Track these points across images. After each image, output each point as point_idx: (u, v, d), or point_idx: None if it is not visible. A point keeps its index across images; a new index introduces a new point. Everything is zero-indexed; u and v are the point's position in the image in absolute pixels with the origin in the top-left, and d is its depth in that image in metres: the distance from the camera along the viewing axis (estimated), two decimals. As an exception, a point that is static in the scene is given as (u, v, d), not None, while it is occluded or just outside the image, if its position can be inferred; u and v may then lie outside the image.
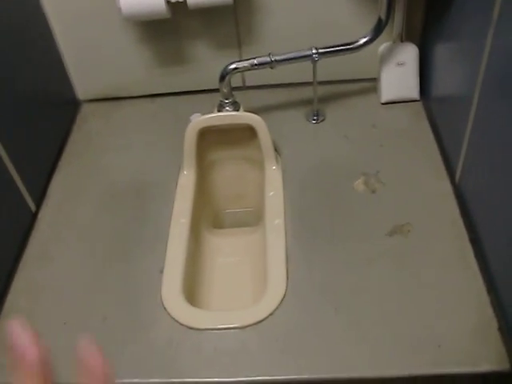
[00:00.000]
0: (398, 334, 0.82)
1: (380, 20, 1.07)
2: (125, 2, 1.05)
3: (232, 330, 0.85)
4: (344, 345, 0.81)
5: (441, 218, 0.96)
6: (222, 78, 1.06)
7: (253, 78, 1.23)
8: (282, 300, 0.87)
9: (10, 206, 0.98)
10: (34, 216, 1.05)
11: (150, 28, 1.18)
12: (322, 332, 0.83)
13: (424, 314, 0.84)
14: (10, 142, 0.97)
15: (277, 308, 0.86)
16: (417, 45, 1.16)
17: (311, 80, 1.13)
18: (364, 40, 1.08)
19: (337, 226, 0.97)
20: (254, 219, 1.17)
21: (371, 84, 1.23)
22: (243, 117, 1.05)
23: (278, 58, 1.06)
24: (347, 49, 1.09)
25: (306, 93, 1.22)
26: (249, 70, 1.06)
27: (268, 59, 1.06)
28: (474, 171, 0.94)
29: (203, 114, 1.10)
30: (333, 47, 1.08)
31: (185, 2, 1.06)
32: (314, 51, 1.07)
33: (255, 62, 1.06)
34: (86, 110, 1.29)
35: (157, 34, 1.19)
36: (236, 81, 1.08)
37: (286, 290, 0.89)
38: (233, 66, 1.05)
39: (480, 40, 0.86)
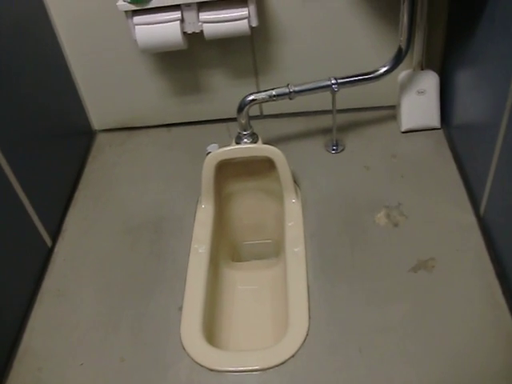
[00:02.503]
0: (426, 377, 0.79)
1: (400, 49, 1.05)
2: (140, 35, 1.03)
3: (254, 373, 0.82)
4: (370, 389, 0.79)
5: (466, 253, 0.94)
6: (240, 109, 1.04)
7: (270, 106, 1.21)
8: (305, 340, 0.85)
9: (25, 241, 0.97)
10: (50, 251, 1.03)
11: (166, 58, 1.17)
12: (348, 374, 0.81)
13: (451, 355, 0.81)
14: (24, 176, 0.96)
15: (299, 349, 0.84)
16: (437, 72, 1.14)
17: (329, 108, 1.11)
18: (384, 69, 1.07)
19: (359, 261, 0.95)
20: (273, 251, 1.14)
21: (390, 112, 1.21)
22: (262, 149, 1.03)
23: (296, 88, 1.04)
24: (367, 78, 1.07)
25: (324, 121, 1.20)
26: (267, 101, 1.05)
27: (286, 90, 1.04)
28: (500, 203, 0.91)
29: (220, 143, 1.08)
30: (352, 77, 1.06)
31: (201, 33, 1.05)
32: (333, 81, 1.05)
33: (273, 93, 1.04)
34: (101, 139, 1.28)
35: (172, 63, 1.17)
36: (253, 110, 1.07)
37: (308, 329, 0.86)
38: (251, 98, 1.04)
39: (507, 65, 0.84)
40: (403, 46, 1.04)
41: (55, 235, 1.06)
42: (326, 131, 1.19)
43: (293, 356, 0.83)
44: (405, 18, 1.01)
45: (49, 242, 1.03)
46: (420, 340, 0.83)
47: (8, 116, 0.94)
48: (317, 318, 0.88)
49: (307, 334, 0.86)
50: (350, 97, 1.15)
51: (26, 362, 0.87)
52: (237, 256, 1.16)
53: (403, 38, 1.03)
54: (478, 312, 0.86)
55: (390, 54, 1.08)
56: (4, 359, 0.87)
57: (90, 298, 0.95)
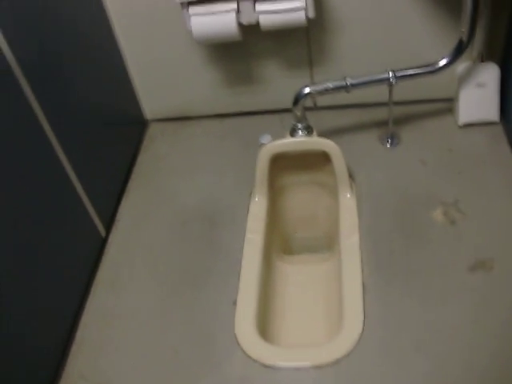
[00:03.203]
0: (482, 382, 0.77)
1: (461, 41, 1.02)
2: (196, 26, 1.03)
3: (308, 369, 0.82)
4: (427, 390, 0.78)
5: (527, 254, 0.92)
6: (296, 101, 1.03)
7: (324, 98, 1.19)
8: (360, 338, 0.84)
9: (80, 231, 0.98)
10: (104, 241, 1.04)
11: (220, 48, 1.16)
12: (403, 375, 0.79)
13: (509, 360, 0.79)
14: (79, 165, 0.96)
15: (354, 347, 0.83)
16: (498, 64, 1.11)
17: (383, 100, 1.09)
18: (444, 62, 1.04)
19: (414, 259, 0.93)
20: (324, 244, 1.13)
21: (447, 105, 1.18)
22: (318, 143, 1.02)
23: (353, 82, 1.02)
24: (426, 72, 1.04)
25: (379, 114, 1.18)
26: (323, 94, 1.03)
27: (343, 83, 1.02)
28: None
29: (272, 135, 1.07)
30: (411, 70, 1.04)
31: (257, 24, 1.04)
32: (391, 74, 1.03)
33: (330, 85, 1.02)
34: (153, 129, 1.28)
35: (226, 54, 1.17)
36: (307, 101, 1.05)
37: (364, 326, 0.85)
38: (307, 90, 1.02)
39: None
40: (464, 38, 1.01)
41: (109, 225, 1.06)
42: (380, 124, 1.17)
43: (348, 354, 0.82)
44: (468, 8, 0.97)
45: (103, 232, 1.04)
46: (477, 343, 0.81)
47: (63, 106, 0.94)
48: (372, 315, 0.86)
49: (362, 332, 0.85)
50: (405, 89, 1.12)
51: (81, 353, 0.89)
52: (288, 249, 1.15)
53: (465, 28, 1.00)
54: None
55: (449, 45, 1.05)
56: (60, 350, 0.88)
57: (144, 290, 0.96)
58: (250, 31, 1.09)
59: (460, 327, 0.83)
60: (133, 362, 0.86)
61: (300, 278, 1.07)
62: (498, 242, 0.93)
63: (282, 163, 1.06)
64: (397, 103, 1.13)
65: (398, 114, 1.17)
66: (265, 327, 0.92)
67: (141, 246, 1.03)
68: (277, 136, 1.07)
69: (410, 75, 1.04)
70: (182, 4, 1.03)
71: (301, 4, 1.01)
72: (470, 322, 0.84)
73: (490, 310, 0.85)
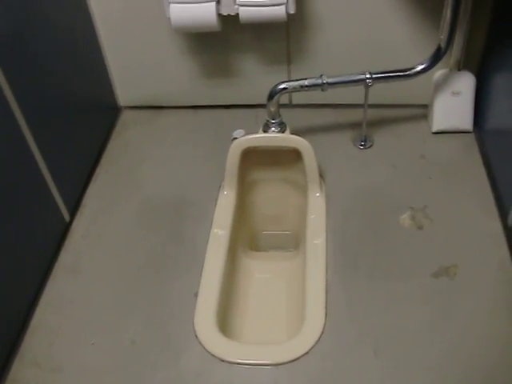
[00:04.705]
0: (441, 386, 0.77)
1: (439, 47, 1.02)
2: (175, 14, 1.01)
3: (265, 367, 0.81)
4: (382, 394, 0.77)
5: (490, 262, 0.91)
6: (271, 97, 1.02)
7: (300, 96, 1.19)
8: (319, 338, 0.83)
9: (44, 214, 0.96)
10: (68, 226, 1.02)
11: (198, 39, 1.14)
12: (360, 377, 0.79)
13: (468, 368, 0.79)
14: (47, 147, 0.94)
15: (313, 346, 0.82)
16: (474, 74, 1.11)
17: (359, 102, 1.09)
18: (421, 67, 1.04)
19: (379, 262, 0.93)
20: (292, 242, 1.13)
21: (422, 111, 1.19)
22: (290, 140, 1.01)
23: (329, 80, 1.02)
24: (402, 75, 1.04)
25: (354, 115, 1.18)
26: (298, 91, 1.03)
27: (319, 81, 1.02)
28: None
29: (246, 130, 1.07)
30: (387, 73, 1.04)
31: (237, 16, 1.03)
32: (367, 76, 1.03)
33: (306, 83, 1.02)
34: (126, 116, 1.27)
35: (204, 45, 1.15)
36: (282, 98, 1.04)
37: (324, 326, 0.85)
38: (282, 86, 1.01)
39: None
40: (443, 45, 1.01)
41: (74, 210, 1.04)
42: (354, 125, 1.17)
43: (306, 353, 0.82)
44: (448, 15, 0.98)
45: (67, 216, 1.02)
46: (437, 350, 0.81)
47: (34, 88, 0.92)
48: (333, 315, 0.86)
49: (322, 332, 0.84)
50: (381, 92, 1.12)
51: (37, 336, 0.87)
52: (255, 245, 1.15)
53: (444, 35, 1.00)
54: (499, 325, 0.83)
55: (428, 51, 1.05)
56: (16, 331, 0.86)
57: (105, 278, 0.94)
58: (230, 23, 1.07)
59: (420, 332, 0.83)
60: (88, 351, 0.84)
61: (265, 275, 1.06)
62: (463, 249, 0.93)
63: (253, 158, 1.05)
64: (372, 106, 1.13)
65: (372, 117, 1.17)
66: (225, 322, 0.91)
67: (105, 232, 1.01)
68: (250, 131, 1.06)
69: (387, 77, 1.04)
70: (161, -10, 1.02)
71: (282, -1, 1.00)
72: (430, 328, 0.84)
73: (452, 316, 0.85)
